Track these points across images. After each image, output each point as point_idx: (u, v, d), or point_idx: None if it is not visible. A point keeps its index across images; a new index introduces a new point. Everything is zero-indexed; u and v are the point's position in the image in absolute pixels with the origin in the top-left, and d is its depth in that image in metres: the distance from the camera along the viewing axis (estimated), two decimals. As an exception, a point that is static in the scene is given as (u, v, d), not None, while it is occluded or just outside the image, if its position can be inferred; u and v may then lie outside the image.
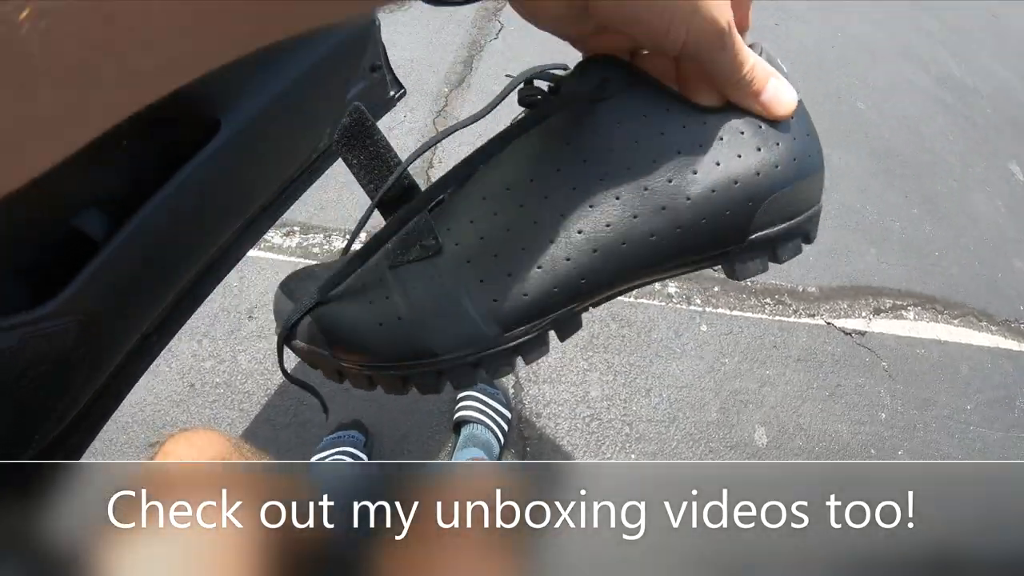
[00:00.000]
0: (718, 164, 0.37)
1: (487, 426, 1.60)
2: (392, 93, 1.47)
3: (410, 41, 2.51)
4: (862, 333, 2.41)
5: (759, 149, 0.39)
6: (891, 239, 2.86)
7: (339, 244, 1.93)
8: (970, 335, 2.81)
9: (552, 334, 0.42)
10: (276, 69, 0.93)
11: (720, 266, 0.43)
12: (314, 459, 1.53)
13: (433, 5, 0.36)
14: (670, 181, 0.36)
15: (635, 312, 2.04)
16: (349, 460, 1.51)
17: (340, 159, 0.47)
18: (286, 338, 0.44)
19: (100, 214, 0.88)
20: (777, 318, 2.25)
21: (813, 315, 2.35)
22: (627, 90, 0.37)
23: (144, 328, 1.03)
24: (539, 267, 0.37)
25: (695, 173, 0.37)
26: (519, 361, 0.40)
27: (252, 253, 1.88)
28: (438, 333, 0.37)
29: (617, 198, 0.36)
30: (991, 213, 3.52)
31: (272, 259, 1.86)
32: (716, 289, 2.21)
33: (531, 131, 0.40)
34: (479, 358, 0.38)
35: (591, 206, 0.36)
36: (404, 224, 0.40)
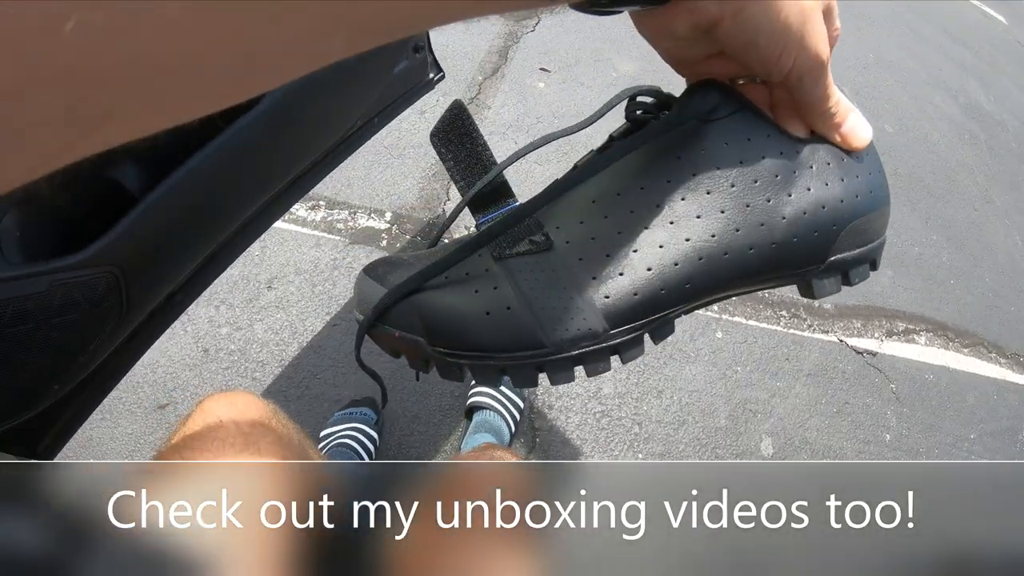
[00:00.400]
0: (809, 190, 0.41)
1: (499, 413, 1.60)
2: (431, 76, 1.47)
3: (446, 28, 2.48)
4: (873, 353, 2.41)
5: (843, 179, 0.42)
6: (909, 263, 2.86)
7: (364, 222, 1.93)
8: (979, 365, 2.80)
9: (646, 337, 0.42)
10: None
11: (797, 285, 0.46)
12: (324, 433, 1.53)
13: (583, 11, 0.37)
14: (768, 201, 0.39)
15: (653, 313, 2.02)
16: (359, 437, 1.51)
17: (435, 151, 0.48)
18: (372, 323, 0.44)
19: (139, 168, 0.88)
20: (792, 331, 2.25)
21: (827, 331, 2.34)
22: (734, 114, 0.40)
23: (172, 286, 1.04)
24: (649, 269, 0.39)
25: (790, 196, 0.40)
26: (615, 361, 0.42)
27: (277, 224, 1.90)
28: (550, 325, 0.38)
29: (721, 212, 0.39)
30: (1009, 246, 3.50)
31: (296, 231, 1.86)
32: (734, 298, 2.19)
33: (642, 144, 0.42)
34: (582, 354, 0.40)
35: (698, 216, 0.39)
36: (517, 221, 0.41)
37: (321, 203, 1.93)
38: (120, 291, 0.88)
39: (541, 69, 2.54)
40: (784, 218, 0.39)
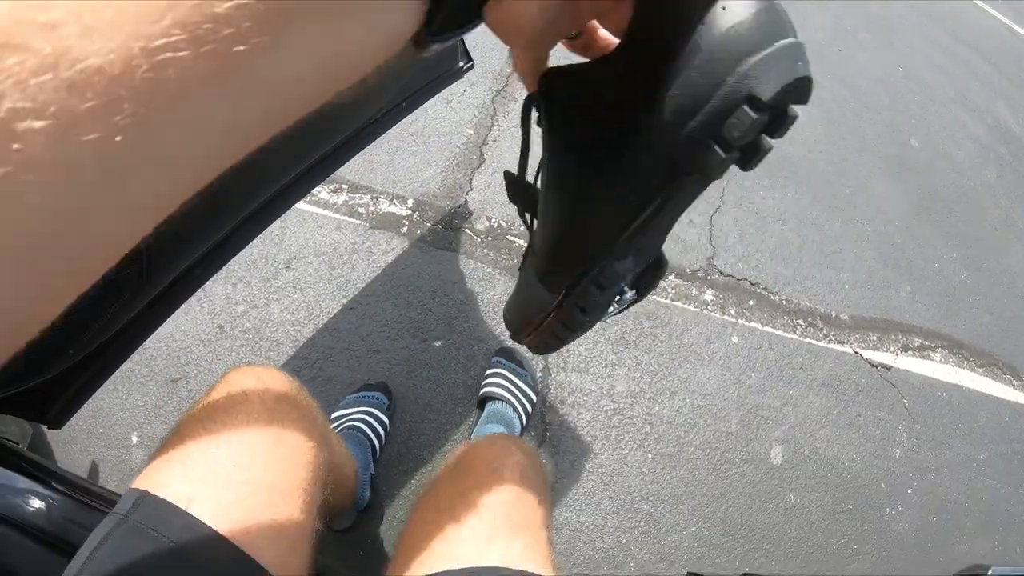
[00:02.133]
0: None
1: (512, 405, 1.57)
2: (461, 64, 1.44)
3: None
4: (888, 367, 2.36)
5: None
6: (927, 279, 2.80)
7: (385, 207, 1.91)
8: (992, 386, 2.74)
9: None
10: None
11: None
12: (335, 416, 1.51)
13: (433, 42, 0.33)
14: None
15: (670, 314, 2.01)
16: (370, 420, 1.49)
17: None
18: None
19: None
20: (807, 340, 2.21)
21: (842, 342, 2.30)
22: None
23: (192, 259, 1.01)
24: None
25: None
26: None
27: (298, 205, 1.88)
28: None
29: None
30: (1029, 269, 3.44)
31: (317, 213, 1.84)
32: (752, 303, 2.17)
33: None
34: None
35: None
36: None
37: (344, 186, 1.90)
38: (141, 260, 0.86)
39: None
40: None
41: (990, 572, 0.89)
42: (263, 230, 1.14)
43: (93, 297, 0.77)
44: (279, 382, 0.83)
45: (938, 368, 2.55)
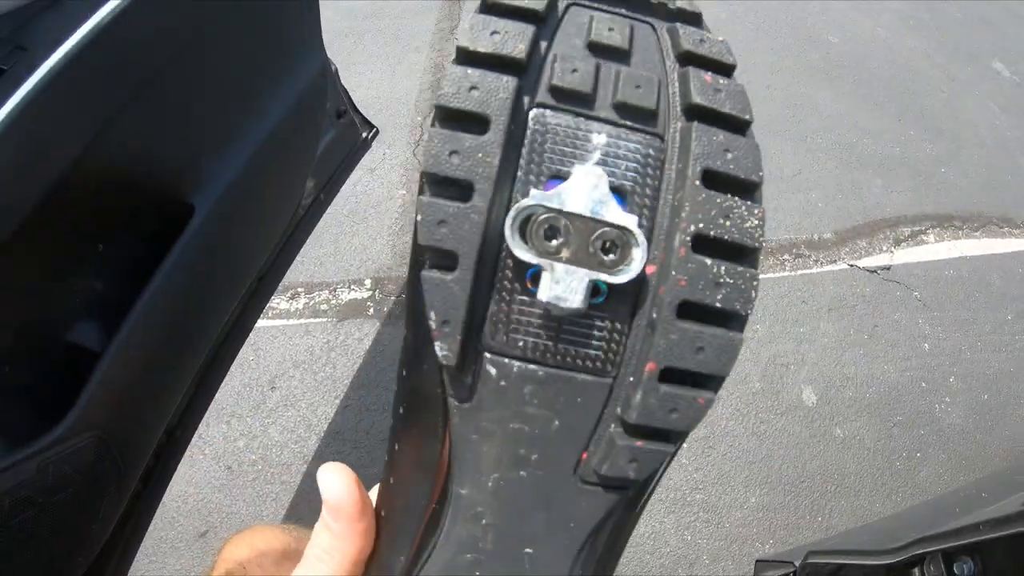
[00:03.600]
0: None
1: None
2: (365, 135, 1.42)
3: (372, 79, 2.45)
4: (887, 268, 2.33)
5: None
6: (894, 166, 2.78)
7: (346, 296, 1.88)
8: (994, 244, 2.72)
9: None
10: (238, 140, 0.86)
11: None
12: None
13: None
14: None
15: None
16: None
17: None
18: None
19: (95, 324, 0.83)
20: (799, 272, 2.18)
21: (835, 261, 2.27)
22: None
23: (166, 424, 0.99)
24: None
25: None
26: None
27: (261, 323, 1.84)
28: None
29: None
30: (987, 116, 3.43)
31: (283, 325, 1.81)
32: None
33: None
34: None
35: None
36: None
37: (300, 290, 1.88)
38: (110, 452, 0.83)
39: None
40: None
41: None
42: (227, 368, 1.11)
43: (81, 502, 0.76)
44: (273, 541, 0.80)
45: (936, 249, 2.52)
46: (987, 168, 3.07)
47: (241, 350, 1.72)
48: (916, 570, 0.99)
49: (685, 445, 1.72)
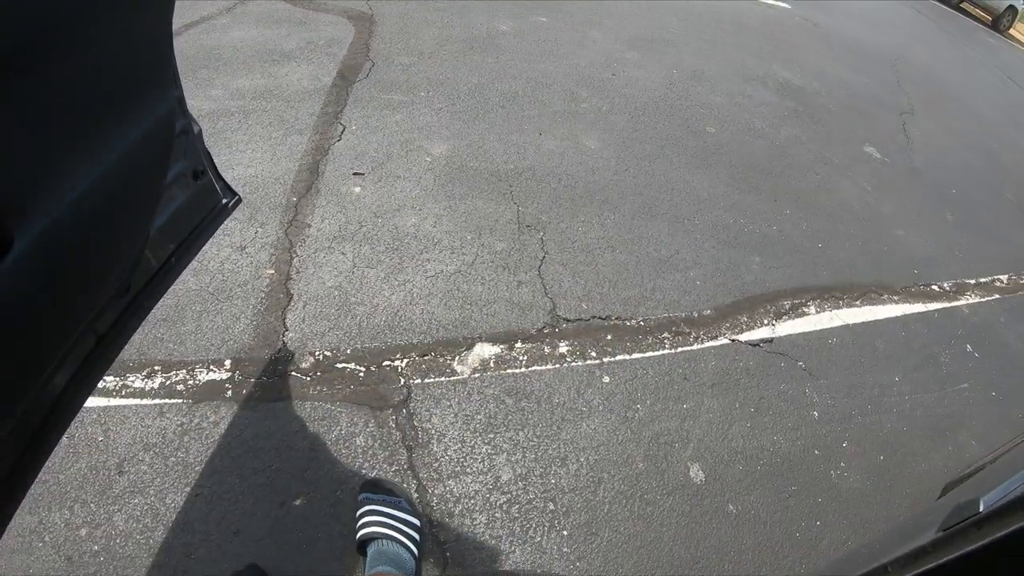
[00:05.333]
0: None
1: (395, 540, 1.49)
2: (225, 201, 1.44)
3: (252, 158, 2.56)
4: (769, 340, 2.46)
5: None
6: (772, 243, 3.00)
7: (204, 376, 1.84)
8: (875, 311, 2.92)
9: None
10: (68, 172, 0.84)
11: None
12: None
13: None
14: None
15: (530, 382, 2.02)
16: None
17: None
18: None
19: None
20: (680, 350, 2.27)
21: (715, 337, 2.38)
22: None
23: None
24: None
25: None
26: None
27: (112, 402, 1.76)
28: None
29: None
30: (860, 194, 3.78)
31: (136, 405, 1.75)
32: (609, 337, 2.23)
33: None
34: None
35: None
36: None
37: (156, 368, 1.83)
38: None
39: (355, 174, 2.61)
40: None
41: (982, 507, 0.92)
42: (62, 434, 1.03)
43: None
44: None
45: (818, 319, 2.69)
46: (863, 241, 3.34)
47: (89, 430, 1.66)
48: None
49: (566, 532, 1.70)
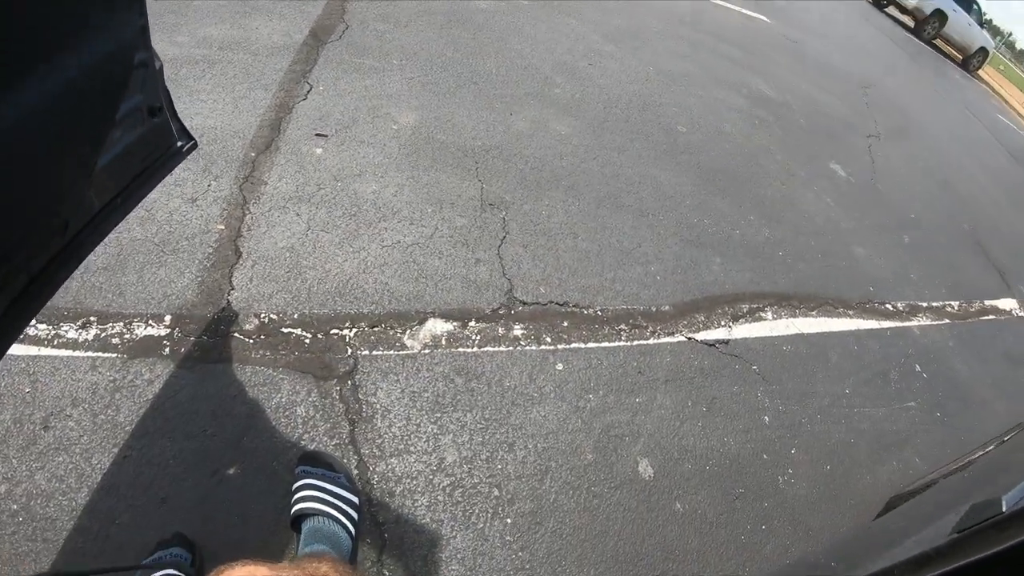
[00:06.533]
0: None
1: (330, 516, 1.42)
2: (180, 144, 1.35)
3: (213, 109, 2.45)
4: (725, 342, 2.47)
5: None
6: (734, 246, 3.03)
7: (141, 331, 1.73)
8: (830, 323, 2.98)
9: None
10: (16, 83, 0.77)
11: None
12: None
13: None
14: None
15: (481, 362, 1.98)
16: None
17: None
18: None
19: None
20: (636, 343, 2.26)
21: (672, 333, 2.38)
22: None
23: None
24: None
25: None
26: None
27: (45, 352, 1.63)
28: None
29: None
30: (823, 209, 3.86)
31: (67, 356, 1.63)
32: (566, 324, 2.20)
33: None
34: None
35: None
36: None
37: (92, 319, 1.71)
38: None
39: (317, 135, 2.52)
40: None
41: (1004, 507, 0.83)
42: None
43: None
44: None
45: (774, 325, 2.72)
46: (823, 254, 3.41)
47: (16, 380, 1.54)
48: None
49: (509, 520, 1.66)
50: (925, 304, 3.64)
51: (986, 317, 3.96)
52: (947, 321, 3.63)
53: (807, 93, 5.71)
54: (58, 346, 1.65)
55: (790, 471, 2.20)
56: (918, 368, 3.07)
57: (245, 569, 0.82)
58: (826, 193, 4.08)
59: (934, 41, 13.72)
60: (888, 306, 3.39)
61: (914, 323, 3.40)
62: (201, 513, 1.46)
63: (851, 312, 3.14)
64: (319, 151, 2.45)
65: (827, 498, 2.20)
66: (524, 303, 2.19)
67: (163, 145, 1.27)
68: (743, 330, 2.59)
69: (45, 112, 0.83)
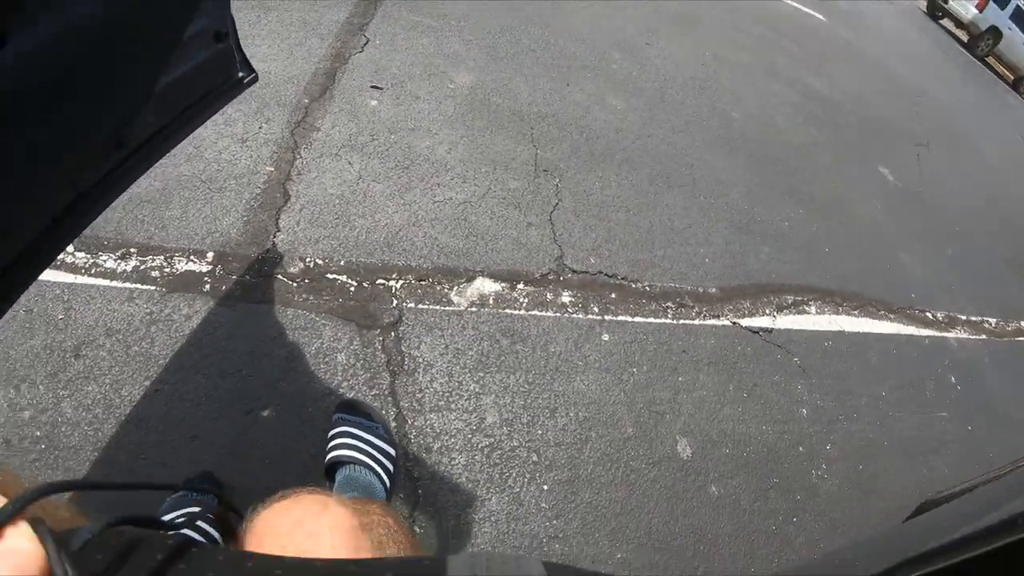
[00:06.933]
0: None
1: (367, 466, 1.37)
2: (240, 74, 1.30)
3: (267, 54, 2.41)
4: (769, 330, 2.40)
5: None
6: (782, 237, 2.94)
7: (182, 266, 1.70)
8: (871, 324, 2.89)
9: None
10: None
11: None
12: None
13: None
14: None
15: (528, 326, 1.92)
16: (203, 527, 1.24)
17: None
18: None
19: None
20: (681, 322, 2.20)
21: (717, 316, 2.32)
22: None
23: None
24: None
25: None
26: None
27: (81, 280, 1.60)
28: None
29: None
30: (870, 211, 3.74)
31: (104, 286, 1.59)
32: (613, 296, 2.14)
33: None
34: None
35: None
36: None
37: (132, 250, 1.67)
38: None
39: (372, 87, 2.47)
40: None
41: None
42: (23, 288, 0.89)
43: None
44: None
45: (817, 319, 2.64)
46: (868, 256, 3.30)
47: (50, 306, 1.51)
48: None
49: (546, 487, 1.62)
50: (964, 317, 3.53)
51: (1022, 338, 3.84)
52: (984, 337, 3.52)
53: (859, 94, 5.54)
54: (95, 275, 1.61)
55: (824, 466, 2.14)
56: (953, 380, 2.98)
57: (315, 499, 0.76)
58: (874, 196, 3.96)
59: (986, 58, 13.31)
60: (928, 314, 3.28)
61: (952, 335, 3.29)
62: (232, 453, 1.42)
63: (892, 316, 3.04)
64: (374, 103, 2.40)
65: (857, 498, 2.13)
66: (574, 271, 2.13)
67: (225, 73, 1.23)
68: (787, 321, 2.51)
69: (115, 19, 0.78)
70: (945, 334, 3.24)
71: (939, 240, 4.09)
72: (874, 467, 2.26)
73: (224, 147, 1.98)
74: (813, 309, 2.68)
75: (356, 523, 0.76)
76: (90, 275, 1.60)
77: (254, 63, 1.33)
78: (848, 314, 2.81)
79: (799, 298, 2.67)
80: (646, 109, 3.25)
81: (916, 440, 2.50)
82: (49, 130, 0.79)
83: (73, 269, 1.59)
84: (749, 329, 2.35)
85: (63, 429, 1.38)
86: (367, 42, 2.67)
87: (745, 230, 2.83)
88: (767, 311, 2.49)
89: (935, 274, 3.67)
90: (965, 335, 3.37)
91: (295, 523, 0.71)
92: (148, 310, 1.58)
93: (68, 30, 0.72)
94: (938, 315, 3.33)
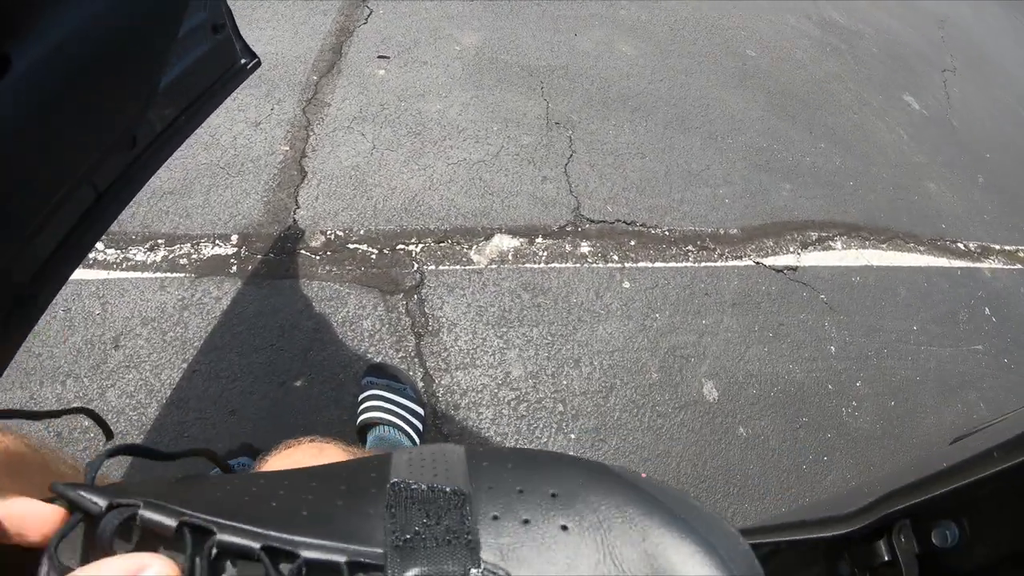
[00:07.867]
0: None
1: (397, 427, 1.39)
2: (243, 61, 1.29)
3: (273, 36, 2.36)
4: (793, 268, 2.33)
5: None
6: (804, 173, 2.83)
7: (208, 251, 1.71)
8: (900, 257, 2.78)
9: None
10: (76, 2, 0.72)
11: None
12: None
13: None
14: None
15: (548, 278, 1.89)
16: None
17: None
18: None
19: None
20: (703, 264, 2.14)
21: (740, 257, 2.25)
22: None
23: None
24: None
25: None
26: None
27: (114, 275, 1.63)
28: None
29: None
30: (895, 141, 3.57)
31: (136, 278, 1.62)
32: (633, 243, 2.08)
33: None
34: None
35: None
36: None
37: (160, 241, 1.70)
38: None
39: (379, 56, 2.40)
40: None
41: None
42: (38, 316, 0.90)
43: None
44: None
45: (843, 255, 2.55)
46: (894, 187, 3.17)
47: (87, 303, 1.54)
48: (882, 542, 0.74)
49: (573, 436, 1.61)
50: (998, 247, 3.37)
51: (1061, 265, 3.68)
52: (1020, 266, 3.36)
53: (879, 21, 5.26)
54: (127, 269, 1.64)
55: (854, 404, 2.08)
56: (987, 311, 2.86)
57: (313, 444, 0.81)
58: (899, 125, 3.78)
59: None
60: (960, 245, 3.15)
61: (985, 265, 3.15)
62: (269, 423, 1.45)
63: (922, 248, 2.93)
64: (382, 72, 2.34)
65: (891, 435, 2.08)
66: (591, 221, 2.08)
67: (227, 62, 1.23)
68: (812, 258, 2.43)
69: (113, 23, 0.76)
70: (978, 264, 3.11)
71: (969, 168, 3.90)
72: (907, 404, 2.20)
73: (239, 132, 1.96)
74: (839, 245, 2.58)
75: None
76: (122, 269, 1.64)
77: (259, 47, 1.32)
78: (876, 248, 2.71)
79: (824, 234, 2.58)
80: (657, 54, 3.13)
81: (950, 375, 2.42)
82: (64, 138, 0.79)
83: (105, 266, 1.63)
84: (773, 268, 2.28)
85: (109, 417, 1.42)
86: (371, 13, 2.60)
87: (765, 168, 2.72)
88: (791, 249, 2.41)
89: (966, 203, 3.51)
90: (999, 265, 3.23)
91: (294, 463, 0.73)
92: (180, 296, 1.61)
93: (67, 42, 0.71)
94: (971, 245, 3.20)
